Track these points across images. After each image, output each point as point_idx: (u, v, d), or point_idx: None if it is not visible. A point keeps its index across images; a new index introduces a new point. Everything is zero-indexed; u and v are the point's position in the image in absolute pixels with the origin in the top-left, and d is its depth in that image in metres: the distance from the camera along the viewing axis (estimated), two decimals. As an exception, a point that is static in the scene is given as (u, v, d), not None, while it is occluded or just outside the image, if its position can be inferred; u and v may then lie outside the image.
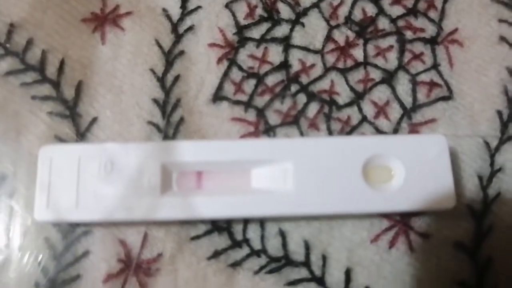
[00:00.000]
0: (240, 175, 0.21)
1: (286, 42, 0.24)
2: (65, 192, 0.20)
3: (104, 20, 0.24)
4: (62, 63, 0.24)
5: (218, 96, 0.24)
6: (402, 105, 0.24)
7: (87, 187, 0.20)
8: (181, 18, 0.25)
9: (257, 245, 0.22)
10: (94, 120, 0.23)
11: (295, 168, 0.21)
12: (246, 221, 0.22)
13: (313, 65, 0.24)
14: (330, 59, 0.24)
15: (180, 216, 0.20)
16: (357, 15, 0.25)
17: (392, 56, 0.24)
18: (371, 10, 0.25)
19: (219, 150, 0.21)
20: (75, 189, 0.20)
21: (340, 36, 0.25)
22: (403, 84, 0.24)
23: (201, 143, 0.21)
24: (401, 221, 0.22)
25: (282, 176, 0.21)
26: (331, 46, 0.24)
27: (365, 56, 0.24)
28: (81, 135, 0.23)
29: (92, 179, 0.20)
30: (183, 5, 0.25)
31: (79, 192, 0.20)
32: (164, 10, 0.25)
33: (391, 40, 0.25)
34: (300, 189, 0.21)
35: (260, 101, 0.24)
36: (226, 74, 0.24)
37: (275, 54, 0.24)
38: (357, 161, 0.21)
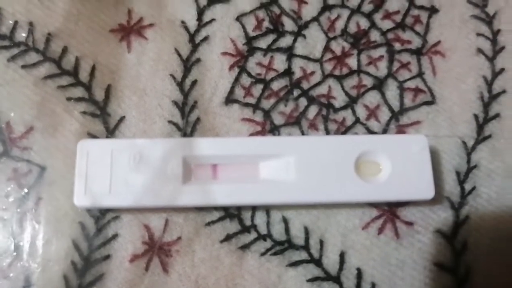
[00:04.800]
0: (249, 167, 0.24)
1: (289, 52, 0.28)
2: (100, 181, 0.23)
3: (129, 31, 0.27)
4: (93, 69, 0.27)
5: (230, 99, 0.27)
6: (390, 108, 0.27)
7: (118, 177, 0.23)
8: (197, 30, 0.28)
9: (263, 230, 0.25)
10: (122, 119, 0.26)
11: (297, 162, 0.24)
12: (254, 209, 0.25)
13: (313, 72, 0.27)
14: (328, 67, 0.27)
15: (199, 203, 0.23)
16: (352, 28, 0.28)
17: (382, 65, 0.28)
18: (364, 23, 0.28)
19: (231, 146, 0.24)
20: (109, 178, 0.23)
21: (337, 46, 0.28)
22: (391, 90, 0.27)
23: (216, 140, 0.24)
24: (388, 210, 0.25)
25: (286, 168, 0.24)
26: (329, 55, 0.28)
27: (359, 65, 0.27)
28: (110, 132, 0.26)
29: (123, 169, 0.23)
30: (199, 18, 0.28)
31: (112, 181, 0.23)
32: (183, 22, 0.28)
33: (382, 51, 0.28)
34: (301, 180, 0.24)
35: (266, 104, 0.27)
36: (237, 80, 0.27)
37: (279, 62, 0.27)
38: (350, 156, 0.24)
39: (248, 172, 0.24)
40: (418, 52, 0.28)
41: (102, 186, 0.23)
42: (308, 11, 0.28)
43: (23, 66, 0.26)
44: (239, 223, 0.25)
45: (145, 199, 0.23)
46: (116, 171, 0.23)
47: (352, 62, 0.27)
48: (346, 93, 0.27)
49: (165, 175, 0.23)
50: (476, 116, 0.27)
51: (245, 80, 0.27)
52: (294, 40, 0.28)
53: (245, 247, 0.25)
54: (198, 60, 0.27)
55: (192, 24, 0.28)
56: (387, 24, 0.28)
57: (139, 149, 0.23)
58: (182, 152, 0.23)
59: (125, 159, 0.23)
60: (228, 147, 0.24)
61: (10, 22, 0.27)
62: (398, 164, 0.24)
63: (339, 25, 0.28)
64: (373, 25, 0.28)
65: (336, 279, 0.24)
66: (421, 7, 0.28)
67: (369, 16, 0.28)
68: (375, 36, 0.28)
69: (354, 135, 0.26)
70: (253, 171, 0.24)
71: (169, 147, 0.23)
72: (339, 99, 0.27)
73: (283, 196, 0.24)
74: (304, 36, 0.28)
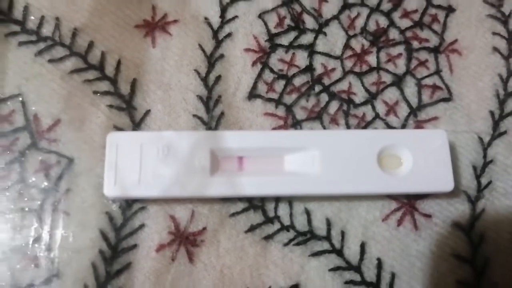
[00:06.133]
0: (275, 160, 0.25)
1: (310, 49, 0.28)
2: (129, 172, 0.23)
3: (154, 27, 0.28)
4: (118, 63, 0.27)
5: (253, 94, 0.27)
6: (409, 104, 0.28)
7: (147, 168, 0.23)
8: (221, 26, 0.28)
9: (286, 221, 0.25)
10: (147, 112, 0.27)
11: (322, 155, 0.24)
12: (277, 200, 0.26)
13: (333, 69, 0.28)
14: (348, 64, 0.28)
15: (226, 194, 0.24)
16: (371, 26, 0.29)
17: (401, 62, 0.28)
18: (383, 22, 0.29)
19: (257, 139, 0.24)
20: (138, 170, 0.23)
21: (357, 44, 0.28)
22: (410, 87, 0.28)
23: (243, 133, 0.25)
24: (407, 203, 0.26)
25: (310, 161, 0.24)
26: (349, 52, 0.28)
27: (378, 62, 0.28)
28: (136, 125, 0.26)
29: (152, 161, 0.24)
30: (222, 15, 0.28)
31: (141, 172, 0.23)
32: (206, 18, 0.28)
33: (400, 49, 0.28)
34: (325, 172, 0.24)
35: (288, 99, 0.27)
36: (259, 75, 0.28)
37: (301, 58, 0.28)
38: (372, 150, 0.25)
39: (273, 164, 0.25)
40: (435, 50, 0.28)
41: (131, 177, 0.23)
42: (329, 9, 0.29)
43: (50, 61, 0.27)
44: (263, 214, 0.25)
45: (174, 190, 0.23)
46: (145, 162, 0.24)
47: (372, 59, 0.28)
48: (366, 89, 0.28)
49: (193, 166, 0.24)
50: (492, 113, 0.27)
51: (268, 76, 0.28)
52: (315, 38, 0.28)
53: (268, 237, 0.25)
54: (222, 56, 0.28)
55: (216, 20, 0.28)
56: (405, 23, 0.29)
57: (168, 141, 0.24)
58: (210, 145, 0.24)
59: (154, 151, 0.24)
60: (254, 140, 0.24)
61: (37, 17, 0.28)
62: (419, 158, 0.25)
63: (359, 23, 0.29)
64: (392, 23, 0.29)
65: (357, 269, 0.25)
66: (439, 6, 0.29)
67: (388, 14, 0.29)
68: (393, 34, 0.29)
69: (376, 129, 0.27)
70: (279, 164, 0.25)
71: (197, 139, 0.24)
72: (359, 95, 0.28)
73: (308, 188, 0.24)
74: (325, 34, 0.28)
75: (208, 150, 0.24)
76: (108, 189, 0.23)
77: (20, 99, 0.26)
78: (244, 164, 0.24)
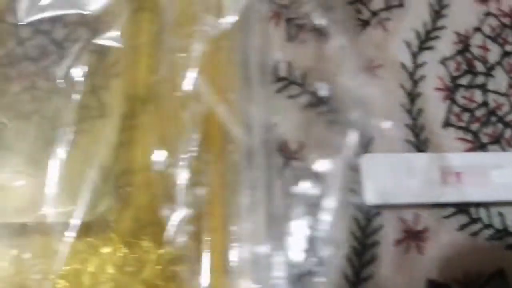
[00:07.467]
0: (482, 174, 0.32)
1: (483, 88, 0.36)
2: (382, 184, 0.31)
3: (365, 69, 0.36)
4: (341, 99, 0.35)
5: (446, 123, 0.35)
6: None
7: (395, 181, 0.31)
8: (414, 70, 0.36)
9: (486, 222, 0.33)
10: (371, 139, 0.34)
11: (516, 170, 0.32)
12: (477, 206, 0.33)
13: (503, 104, 0.36)
14: (513, 99, 0.36)
15: (452, 200, 0.31)
16: (526, 70, 0.37)
17: (552, 98, 0.37)
18: (533, 67, 0.37)
19: (471, 159, 0.32)
20: (389, 182, 0.31)
21: (517, 84, 0.37)
22: None
23: (460, 155, 0.33)
24: None
25: (508, 175, 0.32)
26: (512, 91, 0.37)
27: (534, 98, 0.37)
28: (365, 148, 0.33)
29: (398, 175, 0.31)
30: (414, 61, 0.36)
31: (391, 184, 0.31)
32: (402, 64, 0.36)
33: (550, 88, 0.37)
34: (520, 183, 0.32)
35: (473, 127, 0.35)
36: (449, 109, 0.35)
37: (478, 95, 0.36)
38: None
39: (482, 177, 0.32)
40: None
41: (384, 189, 0.31)
42: (492, 57, 0.37)
43: (288, 97, 0.34)
44: (468, 216, 0.33)
45: (415, 197, 0.31)
46: (393, 177, 0.31)
47: (530, 96, 0.36)
48: (529, 119, 0.36)
49: (427, 180, 0.31)
50: None
51: (456, 109, 0.35)
52: (486, 79, 0.36)
53: (474, 234, 0.33)
54: (419, 93, 0.35)
55: (410, 65, 0.36)
56: (551, 68, 0.37)
57: (407, 160, 0.31)
58: (437, 163, 0.31)
59: (398, 168, 0.31)
60: (468, 160, 0.32)
61: (272, 61, 0.35)
62: None
63: (516, 68, 0.37)
64: (541, 68, 0.37)
65: (543, 259, 0.33)
66: None
67: (536, 61, 0.37)
68: (543, 76, 0.37)
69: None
70: (484, 177, 0.32)
71: (429, 159, 0.31)
72: (525, 124, 0.36)
73: (506, 195, 0.32)
74: (492, 76, 0.36)
75: (437, 167, 0.31)
76: (368, 198, 0.31)
77: (268, 128, 0.33)
78: (461, 178, 0.32)
